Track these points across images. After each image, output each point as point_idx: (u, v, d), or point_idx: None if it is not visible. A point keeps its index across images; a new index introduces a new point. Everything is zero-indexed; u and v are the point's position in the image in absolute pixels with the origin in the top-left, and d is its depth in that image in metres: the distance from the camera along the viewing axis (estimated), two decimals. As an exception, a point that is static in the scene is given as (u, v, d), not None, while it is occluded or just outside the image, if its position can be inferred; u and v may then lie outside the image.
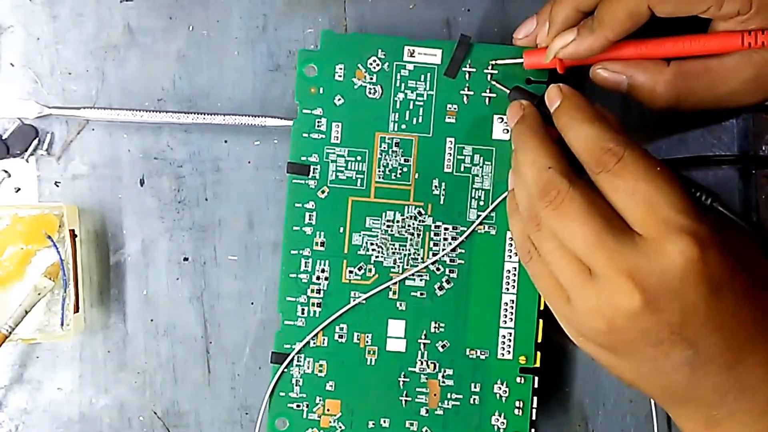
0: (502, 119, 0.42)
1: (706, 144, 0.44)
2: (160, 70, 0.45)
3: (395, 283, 0.42)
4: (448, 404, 0.42)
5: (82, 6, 0.45)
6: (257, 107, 0.45)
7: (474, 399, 0.42)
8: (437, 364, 0.42)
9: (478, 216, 0.42)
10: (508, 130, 0.42)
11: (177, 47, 0.45)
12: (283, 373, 0.42)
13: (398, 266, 0.42)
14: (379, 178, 0.43)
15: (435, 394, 0.42)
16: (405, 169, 0.43)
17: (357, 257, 0.43)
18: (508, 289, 0.42)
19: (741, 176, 0.44)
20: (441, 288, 0.42)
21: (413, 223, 0.43)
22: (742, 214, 0.43)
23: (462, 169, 0.43)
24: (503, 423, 0.42)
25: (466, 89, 0.43)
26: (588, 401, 0.45)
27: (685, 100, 0.40)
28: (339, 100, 0.43)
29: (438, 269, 0.43)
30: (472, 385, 0.42)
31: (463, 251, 0.42)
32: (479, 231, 0.42)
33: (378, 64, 0.43)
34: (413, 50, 0.43)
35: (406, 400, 0.42)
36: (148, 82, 0.45)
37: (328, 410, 0.42)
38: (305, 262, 0.42)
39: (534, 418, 0.42)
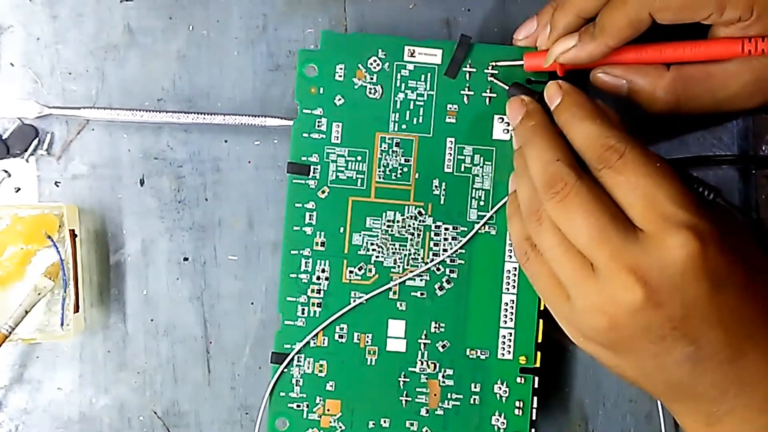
0: (503, 119, 0.42)
1: (706, 144, 0.44)
2: (160, 70, 0.45)
3: (396, 284, 0.42)
4: (448, 404, 0.42)
5: (82, 6, 0.45)
6: (257, 107, 0.45)
7: (474, 399, 0.42)
8: (437, 364, 0.42)
9: (479, 216, 0.42)
10: (508, 130, 0.42)
11: (177, 47, 0.45)
12: (283, 373, 0.42)
13: (398, 266, 0.42)
14: (380, 178, 0.43)
15: (435, 394, 0.42)
16: (405, 169, 0.43)
17: (357, 257, 0.42)
18: (508, 289, 0.42)
19: (741, 176, 0.44)
20: (441, 288, 0.42)
21: (413, 223, 0.43)
22: (743, 214, 0.43)
23: (462, 169, 0.43)
24: (503, 423, 0.42)
25: (466, 89, 0.43)
26: (588, 401, 0.46)
27: (685, 104, 0.40)
28: (339, 100, 0.43)
29: (438, 269, 0.43)
30: (473, 385, 0.42)
31: (463, 251, 0.42)
32: (480, 231, 0.42)
33: (378, 64, 0.43)
34: (413, 50, 0.43)
35: (406, 400, 0.42)
36: (148, 82, 0.45)
37: (328, 410, 0.42)
38: (305, 262, 0.42)
39: (534, 418, 0.42)
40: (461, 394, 0.42)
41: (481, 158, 0.43)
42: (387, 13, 0.45)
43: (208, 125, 0.44)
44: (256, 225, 0.45)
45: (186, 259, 0.45)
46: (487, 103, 0.43)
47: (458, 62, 0.42)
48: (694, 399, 0.36)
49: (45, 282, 0.43)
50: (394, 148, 0.43)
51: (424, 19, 0.45)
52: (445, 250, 0.42)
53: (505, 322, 0.42)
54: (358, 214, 0.43)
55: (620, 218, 0.35)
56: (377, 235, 0.43)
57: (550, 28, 0.40)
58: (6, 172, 0.45)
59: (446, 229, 0.43)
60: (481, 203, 0.42)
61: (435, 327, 0.42)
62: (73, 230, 0.43)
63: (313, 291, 0.42)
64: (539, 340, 0.42)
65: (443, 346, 0.42)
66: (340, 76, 0.42)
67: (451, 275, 0.42)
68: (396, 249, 0.43)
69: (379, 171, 0.43)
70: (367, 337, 0.42)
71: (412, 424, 0.42)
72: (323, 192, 0.43)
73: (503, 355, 0.42)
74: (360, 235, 0.43)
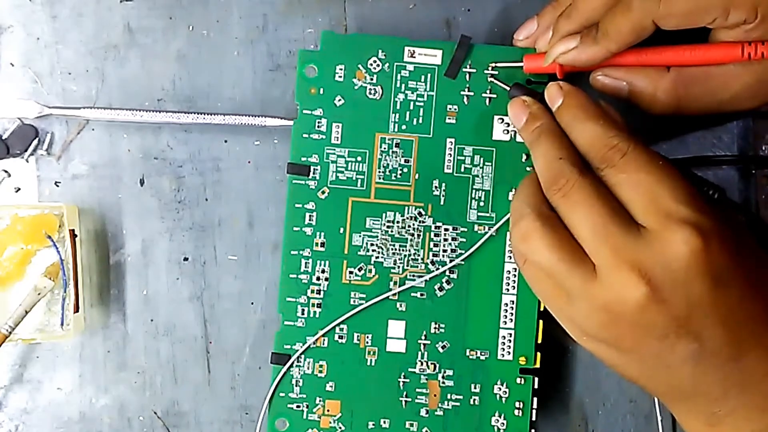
0: (503, 120, 0.42)
1: (706, 144, 0.44)
2: (160, 70, 0.45)
3: (402, 290, 0.42)
4: (448, 405, 0.42)
5: (82, 6, 0.45)
6: (257, 107, 0.45)
7: (474, 400, 0.42)
8: (437, 365, 0.42)
9: (479, 217, 0.42)
10: (508, 131, 0.42)
11: (177, 47, 0.45)
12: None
13: (398, 267, 0.42)
14: (380, 178, 0.43)
15: (435, 395, 0.42)
16: (405, 170, 0.43)
17: (357, 258, 0.42)
18: (508, 289, 0.42)
19: (741, 176, 0.44)
20: (441, 289, 0.42)
21: (413, 224, 0.43)
22: (746, 213, 0.43)
23: (462, 169, 0.43)
24: (503, 424, 0.42)
25: (466, 90, 0.42)
26: (588, 401, 0.46)
27: (685, 106, 0.40)
28: (339, 100, 0.42)
29: (438, 270, 0.43)
30: (472, 385, 0.42)
31: (463, 252, 0.42)
32: (479, 232, 0.42)
33: (378, 65, 0.42)
34: (413, 51, 0.42)
35: (406, 401, 0.42)
36: (148, 82, 0.45)
37: (328, 411, 0.42)
38: (305, 263, 0.42)
39: (534, 418, 0.42)
40: (461, 395, 0.42)
41: (481, 159, 0.43)
42: (387, 13, 0.45)
43: (208, 125, 0.44)
44: (256, 225, 0.45)
45: (186, 259, 0.45)
46: (487, 103, 0.42)
47: (458, 63, 0.42)
48: (695, 398, 0.36)
49: (45, 282, 0.43)
50: (394, 149, 0.43)
51: (424, 20, 0.45)
52: (444, 251, 0.42)
53: (505, 322, 0.42)
54: (358, 215, 0.43)
55: (623, 215, 0.35)
56: (377, 236, 0.43)
57: (552, 32, 0.40)
58: (6, 172, 0.45)
59: (446, 229, 0.43)
60: (481, 204, 0.42)
61: (435, 327, 0.42)
62: (73, 230, 0.43)
63: (313, 291, 0.42)
64: (539, 341, 0.42)
65: (443, 347, 0.42)
66: (340, 76, 0.42)
67: (451, 276, 0.42)
68: (396, 249, 0.43)
69: (379, 171, 0.43)
70: (367, 337, 0.42)
71: (411, 425, 0.42)
72: (323, 192, 0.43)
73: (503, 355, 0.42)
74: (360, 236, 0.43)
